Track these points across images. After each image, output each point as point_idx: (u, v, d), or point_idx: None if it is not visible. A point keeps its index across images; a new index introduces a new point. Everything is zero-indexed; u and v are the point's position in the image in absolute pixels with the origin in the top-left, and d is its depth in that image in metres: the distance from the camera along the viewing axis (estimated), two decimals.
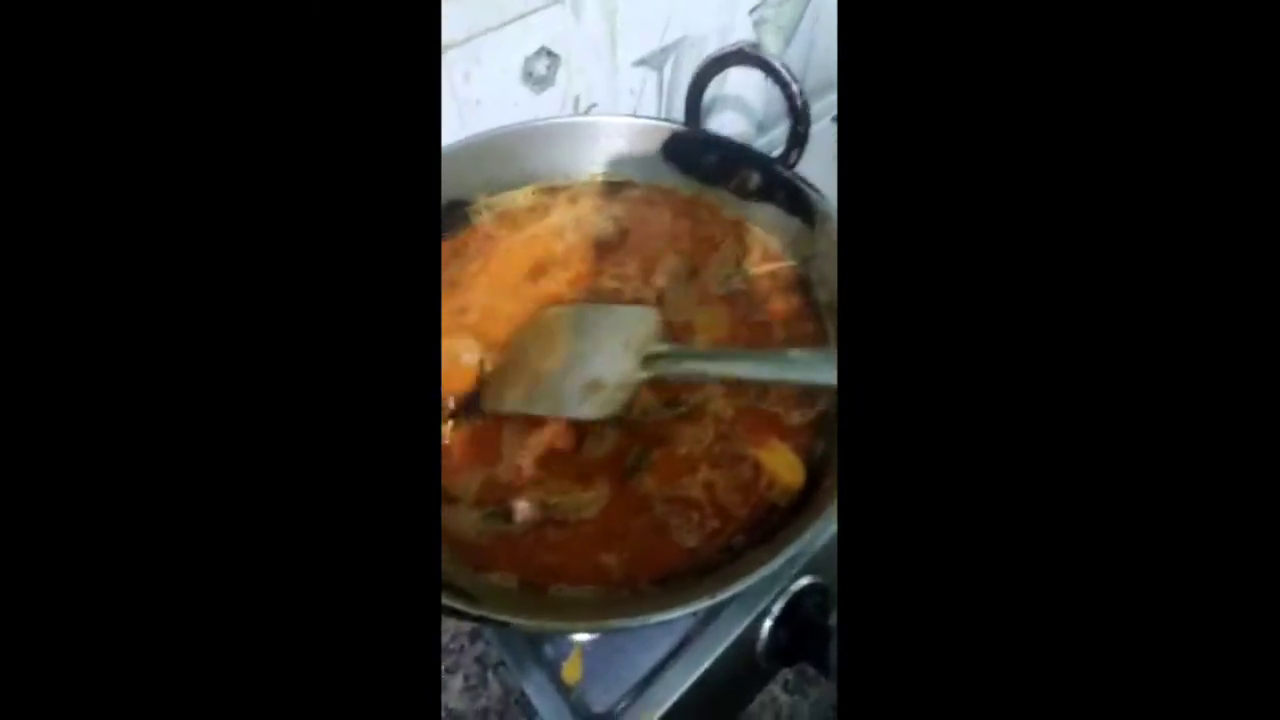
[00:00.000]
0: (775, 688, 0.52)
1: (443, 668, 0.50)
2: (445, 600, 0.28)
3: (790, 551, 0.30)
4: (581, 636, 0.42)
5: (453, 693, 0.49)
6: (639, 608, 0.30)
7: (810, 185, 0.45)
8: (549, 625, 0.28)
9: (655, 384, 0.40)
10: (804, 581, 0.45)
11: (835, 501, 0.31)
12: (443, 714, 0.48)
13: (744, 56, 0.45)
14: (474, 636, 0.51)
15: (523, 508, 0.36)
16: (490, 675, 0.49)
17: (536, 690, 0.40)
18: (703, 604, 0.29)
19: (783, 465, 0.38)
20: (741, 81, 0.71)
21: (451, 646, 0.51)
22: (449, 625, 0.52)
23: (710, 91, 0.50)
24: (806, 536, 0.31)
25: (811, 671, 0.54)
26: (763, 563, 0.30)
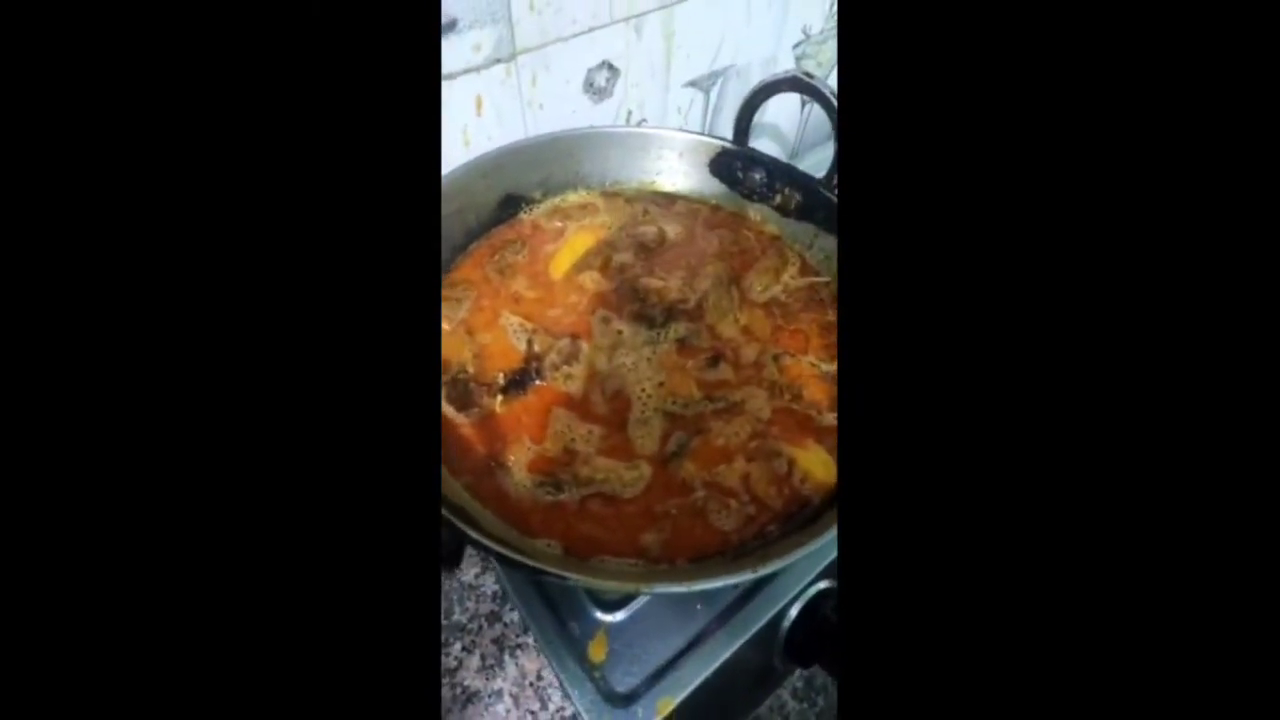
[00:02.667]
0: (785, 693, 0.53)
1: (460, 647, 0.51)
2: (505, 552, 0.29)
3: (829, 535, 0.31)
4: (607, 618, 0.43)
5: (469, 671, 0.49)
6: (678, 579, 0.32)
7: None
8: (599, 583, 0.30)
9: (696, 378, 0.42)
10: (822, 585, 0.46)
11: None
12: (459, 692, 0.49)
13: (797, 83, 0.48)
14: (492, 619, 0.52)
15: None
16: (507, 656, 0.50)
17: (561, 666, 0.41)
18: (745, 577, 0.30)
19: (816, 463, 0.40)
20: (778, 111, 0.75)
21: (470, 627, 0.52)
22: (469, 606, 0.53)
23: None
24: None
25: (820, 680, 0.54)
26: (801, 544, 0.31)
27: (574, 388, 0.42)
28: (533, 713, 0.48)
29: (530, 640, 0.49)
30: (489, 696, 0.48)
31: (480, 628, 0.51)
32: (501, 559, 0.29)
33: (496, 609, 0.52)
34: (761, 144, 0.77)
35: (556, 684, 0.47)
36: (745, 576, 0.30)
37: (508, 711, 0.48)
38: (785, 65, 0.70)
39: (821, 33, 0.70)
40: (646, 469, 0.38)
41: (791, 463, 0.40)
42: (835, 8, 0.69)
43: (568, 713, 0.46)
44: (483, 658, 0.50)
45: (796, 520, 0.37)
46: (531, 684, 0.49)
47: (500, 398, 0.41)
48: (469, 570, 0.54)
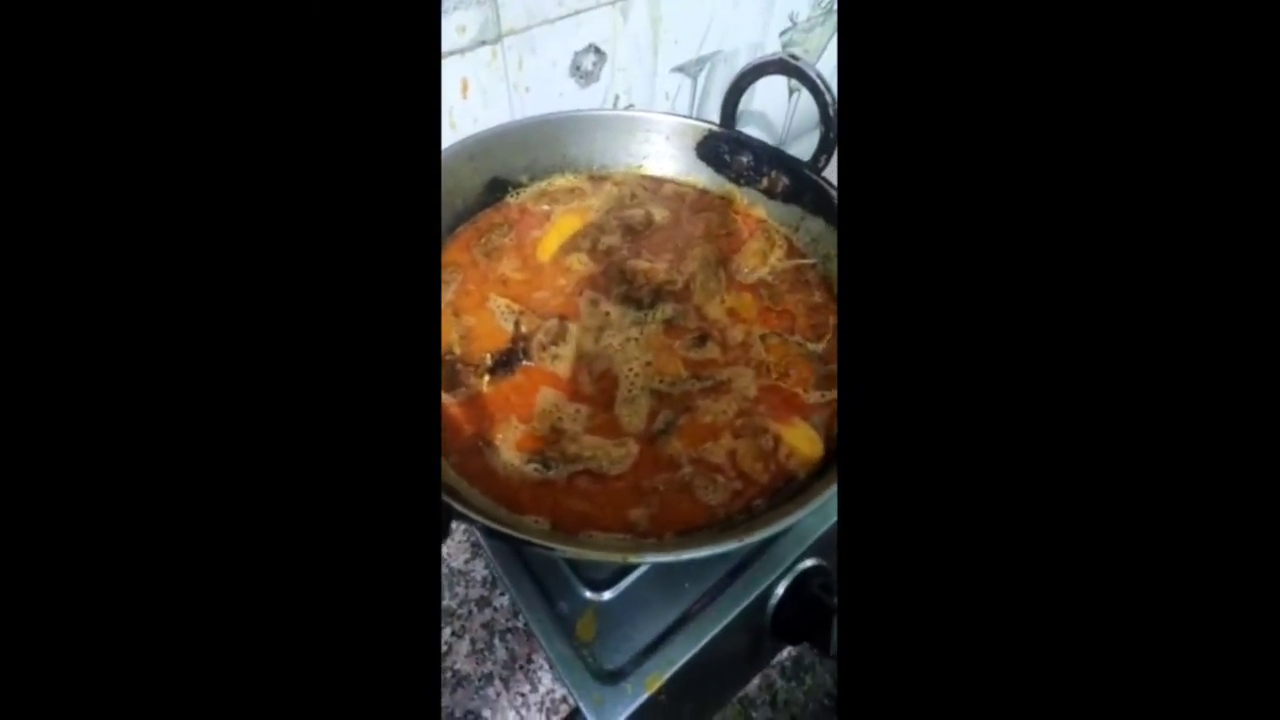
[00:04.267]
0: (773, 672, 0.53)
1: (450, 632, 0.51)
2: (493, 525, 0.29)
3: (815, 505, 0.32)
4: (595, 597, 0.43)
5: (459, 656, 0.49)
6: (666, 549, 0.32)
7: (836, 188, 0.48)
8: (587, 553, 0.30)
9: (683, 357, 0.42)
10: (809, 563, 0.46)
11: None
12: (449, 676, 0.49)
13: (785, 66, 0.48)
14: (481, 604, 0.52)
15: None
16: (496, 641, 0.50)
17: (550, 645, 0.41)
18: (733, 545, 0.30)
19: (802, 439, 0.40)
20: (765, 100, 0.75)
21: (460, 612, 0.52)
22: (458, 592, 0.53)
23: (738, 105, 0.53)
24: (827, 495, 0.33)
25: (807, 659, 0.55)
26: (789, 514, 0.31)
27: (561, 368, 0.42)
28: (523, 695, 0.48)
29: (520, 624, 0.49)
30: (479, 680, 0.48)
31: (470, 613, 0.51)
32: (489, 532, 0.29)
33: (486, 594, 0.52)
34: (749, 133, 0.77)
35: (546, 667, 0.47)
36: (733, 545, 0.30)
37: (498, 695, 0.48)
38: (773, 51, 0.70)
39: (809, 20, 0.70)
40: (634, 446, 0.39)
41: (778, 439, 0.40)
42: None
43: (558, 694, 0.46)
44: (473, 642, 0.50)
45: (783, 494, 0.38)
46: (521, 667, 0.49)
47: (487, 378, 0.41)
48: (458, 556, 0.54)
